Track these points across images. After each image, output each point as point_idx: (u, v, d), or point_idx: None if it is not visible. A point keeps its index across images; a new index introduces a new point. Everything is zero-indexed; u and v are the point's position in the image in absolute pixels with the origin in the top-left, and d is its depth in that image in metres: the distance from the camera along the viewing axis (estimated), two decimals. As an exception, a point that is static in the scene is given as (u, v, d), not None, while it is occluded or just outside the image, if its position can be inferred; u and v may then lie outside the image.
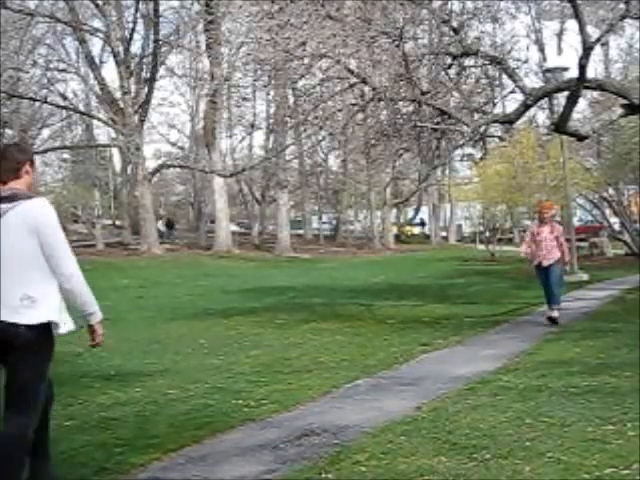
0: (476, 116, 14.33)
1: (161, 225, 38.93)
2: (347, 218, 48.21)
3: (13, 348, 3.46)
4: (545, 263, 10.13)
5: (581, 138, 11.40)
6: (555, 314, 9.93)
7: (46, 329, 3.54)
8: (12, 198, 3.52)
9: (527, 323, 10.50)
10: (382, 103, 12.60)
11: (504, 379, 6.33)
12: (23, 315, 3.44)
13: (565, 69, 15.90)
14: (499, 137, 24.82)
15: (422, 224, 52.17)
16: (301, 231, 46.48)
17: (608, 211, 29.17)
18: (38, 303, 3.48)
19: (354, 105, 13.32)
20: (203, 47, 28.90)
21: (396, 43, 10.77)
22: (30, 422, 3.53)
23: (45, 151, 34.74)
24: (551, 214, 10.53)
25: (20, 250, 3.49)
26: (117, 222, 42.19)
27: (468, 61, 12.83)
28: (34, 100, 28.36)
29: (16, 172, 3.64)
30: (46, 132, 36.11)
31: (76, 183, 39.58)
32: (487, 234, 33.39)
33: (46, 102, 29.27)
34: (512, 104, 24.79)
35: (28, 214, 3.51)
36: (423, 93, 11.55)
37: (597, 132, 13.22)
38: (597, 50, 25.16)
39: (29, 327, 3.45)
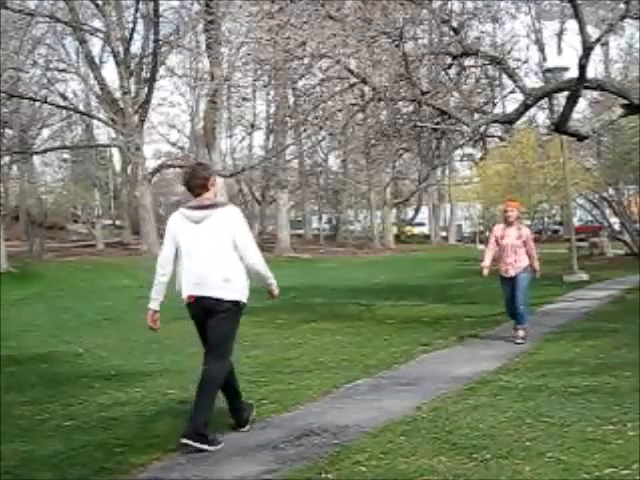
0: (476, 116, 14.34)
1: None
2: (347, 218, 48.21)
3: (214, 315, 4.79)
4: (511, 272, 8.61)
5: (581, 138, 11.39)
6: (520, 335, 8.50)
7: (237, 302, 4.85)
8: (214, 206, 4.86)
9: (527, 323, 10.48)
10: (382, 103, 12.60)
11: (504, 379, 6.33)
12: (224, 292, 4.76)
13: (565, 69, 15.88)
14: (499, 137, 24.89)
15: (417, 224, 52.09)
16: (301, 231, 46.48)
17: (608, 211, 29.15)
18: (232, 283, 4.80)
19: (354, 105, 13.33)
20: (203, 47, 28.86)
21: (396, 43, 10.77)
22: (224, 365, 4.89)
23: (45, 151, 34.77)
24: (517, 215, 8.83)
25: (220, 244, 4.78)
26: (117, 222, 42.20)
27: (468, 61, 12.84)
28: (34, 100, 28.34)
29: (205, 186, 4.89)
30: (46, 132, 36.10)
31: (76, 183, 39.57)
32: (487, 234, 33.38)
33: (46, 102, 29.26)
34: (512, 104, 24.87)
35: (226, 217, 4.81)
36: (423, 93, 11.55)
37: (597, 132, 13.19)
38: (597, 50, 25.17)
39: (227, 301, 4.77)
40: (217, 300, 4.76)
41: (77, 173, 42.65)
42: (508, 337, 9.11)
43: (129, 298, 16.27)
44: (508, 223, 8.73)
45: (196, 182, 4.89)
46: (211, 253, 4.77)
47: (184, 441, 4.54)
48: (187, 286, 4.85)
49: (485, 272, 8.79)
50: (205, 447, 4.54)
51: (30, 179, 36.24)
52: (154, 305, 5.07)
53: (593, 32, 11.18)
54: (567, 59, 16.48)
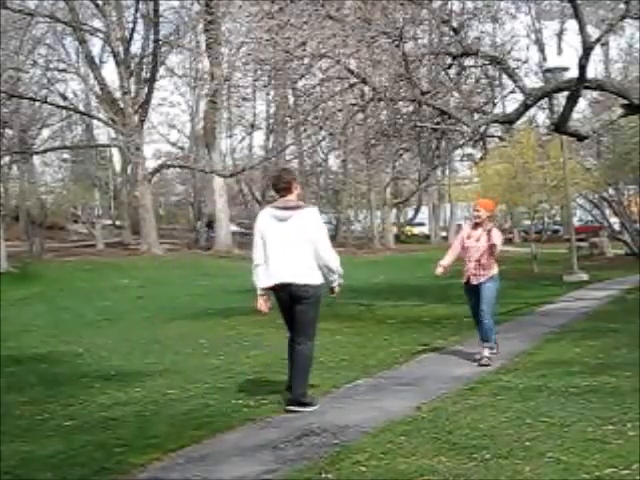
0: (476, 116, 14.36)
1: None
2: (347, 218, 48.18)
3: (301, 300, 5.61)
4: (474, 280, 7.43)
5: (581, 138, 11.38)
6: (485, 354, 7.26)
7: (319, 288, 5.65)
8: (297, 207, 5.71)
9: (527, 323, 10.49)
10: (382, 103, 12.60)
11: (504, 379, 6.33)
12: (309, 279, 5.59)
13: (565, 69, 15.89)
14: (499, 137, 24.88)
15: (417, 224, 52.08)
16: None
17: (608, 211, 29.16)
18: (314, 271, 5.62)
19: (354, 105, 13.33)
20: (203, 47, 28.90)
21: (396, 43, 10.77)
22: (313, 344, 5.79)
23: (45, 151, 34.78)
24: (487, 215, 7.53)
25: (303, 239, 5.58)
26: (117, 222, 42.19)
27: (468, 61, 12.86)
28: (34, 100, 28.36)
29: (289, 189, 5.75)
30: (46, 132, 36.11)
31: (76, 183, 39.56)
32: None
33: (46, 102, 29.28)
34: (512, 104, 24.88)
35: (306, 217, 5.64)
36: (423, 93, 11.55)
37: (597, 132, 13.20)
38: (597, 50, 25.18)
39: (312, 286, 5.58)
40: (304, 285, 5.57)
41: (77, 173, 42.63)
42: (508, 337, 9.10)
43: (129, 298, 16.29)
44: (477, 224, 7.53)
45: (281, 185, 5.77)
46: (295, 247, 5.58)
47: (290, 408, 5.53)
48: (275, 275, 5.63)
49: (439, 271, 7.57)
50: (308, 408, 5.53)
51: (30, 179, 36.23)
52: (260, 290, 5.77)
53: (593, 32, 11.19)
54: (567, 59, 16.50)
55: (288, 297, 5.62)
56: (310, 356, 5.74)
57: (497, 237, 7.39)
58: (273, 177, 6.30)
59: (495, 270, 7.46)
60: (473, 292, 7.48)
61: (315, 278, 5.62)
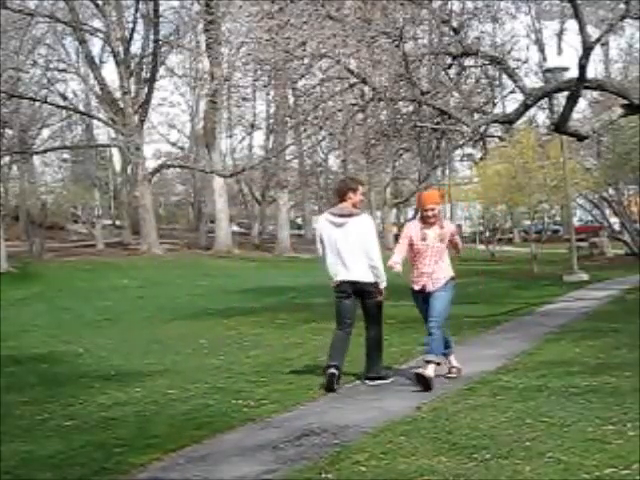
0: (476, 116, 14.36)
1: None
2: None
3: (370, 295, 6.52)
4: (431, 287, 6.47)
5: (581, 138, 11.37)
6: (428, 372, 6.13)
7: (376, 284, 6.50)
8: (350, 215, 6.48)
9: (527, 323, 10.49)
10: (382, 103, 12.61)
11: (504, 379, 6.32)
12: (370, 276, 6.46)
13: (565, 69, 15.90)
14: (499, 137, 24.87)
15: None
16: (301, 231, 46.46)
17: (608, 211, 29.16)
18: (370, 271, 6.44)
19: (354, 105, 13.34)
20: (203, 47, 28.87)
21: (396, 43, 10.76)
22: (382, 327, 6.71)
23: (45, 151, 34.77)
24: (437, 210, 6.50)
25: (359, 242, 6.40)
26: (117, 222, 42.18)
27: (468, 61, 12.86)
28: (34, 100, 28.35)
29: (343, 196, 6.54)
30: (46, 132, 36.10)
31: (76, 183, 39.56)
32: (487, 234, 33.39)
33: (46, 102, 29.28)
34: (512, 104, 24.86)
35: (359, 224, 6.45)
36: (423, 93, 11.55)
37: (597, 132, 13.19)
38: (597, 50, 25.18)
39: (371, 283, 6.47)
40: (365, 283, 6.45)
41: (77, 173, 42.63)
42: (508, 337, 9.10)
43: (129, 298, 16.29)
44: (428, 223, 6.49)
45: (339, 193, 6.64)
46: (353, 250, 6.42)
47: (370, 383, 6.45)
48: (339, 273, 6.49)
49: (398, 268, 6.39)
50: (386, 380, 6.50)
51: (30, 179, 36.23)
52: (334, 279, 6.59)
53: (593, 32, 11.20)
54: (567, 59, 16.51)
55: (347, 291, 6.52)
56: (381, 338, 6.68)
57: (452, 229, 6.67)
58: (336, 183, 7.25)
59: (449, 274, 6.59)
60: (423, 301, 6.59)
61: (372, 276, 6.49)
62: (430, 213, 6.46)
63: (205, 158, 33.90)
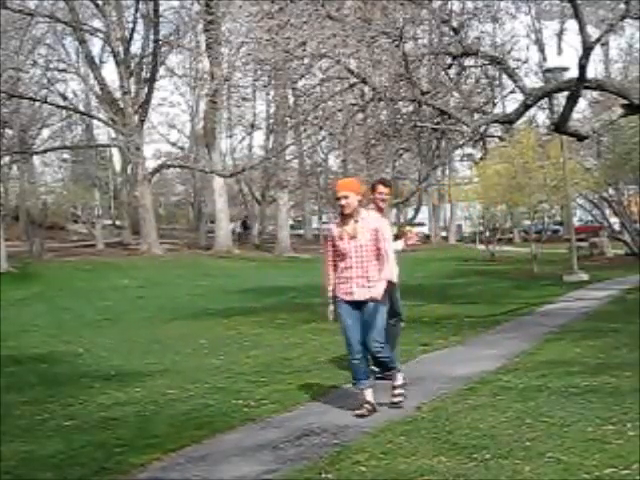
0: (476, 116, 14.34)
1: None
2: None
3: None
4: (359, 295, 5.43)
5: (581, 138, 11.36)
6: (361, 412, 5.33)
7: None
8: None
9: (527, 323, 10.49)
10: (382, 103, 12.59)
11: (504, 379, 6.32)
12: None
13: (565, 69, 15.90)
14: (499, 137, 24.84)
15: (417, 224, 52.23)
16: (301, 231, 46.48)
17: (608, 211, 29.15)
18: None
19: (354, 105, 13.32)
20: (203, 47, 28.88)
21: (396, 43, 10.75)
22: (400, 326, 6.83)
23: (45, 151, 34.77)
24: (352, 199, 5.40)
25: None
26: (117, 222, 42.20)
27: (468, 61, 12.83)
28: (34, 100, 28.35)
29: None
30: (46, 132, 36.10)
31: (76, 183, 39.57)
32: (487, 234, 33.39)
33: (46, 102, 29.27)
34: (512, 104, 24.85)
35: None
36: (423, 93, 11.54)
37: (597, 132, 13.18)
38: (597, 50, 25.19)
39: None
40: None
41: (77, 173, 42.65)
42: (508, 337, 9.09)
43: (129, 298, 16.29)
44: (345, 216, 5.45)
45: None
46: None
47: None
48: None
49: (331, 307, 5.62)
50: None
51: (30, 179, 36.24)
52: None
53: (593, 32, 11.18)
54: (567, 59, 16.51)
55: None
56: (398, 334, 6.90)
57: (382, 226, 5.58)
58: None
59: (390, 277, 5.72)
60: (352, 312, 5.48)
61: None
62: (343, 202, 5.40)
63: (205, 158, 33.91)
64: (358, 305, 5.50)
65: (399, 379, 5.80)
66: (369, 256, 5.46)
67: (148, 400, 6.11)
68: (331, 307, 5.64)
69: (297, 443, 4.72)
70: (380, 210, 6.53)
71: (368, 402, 5.43)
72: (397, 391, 5.73)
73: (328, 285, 5.63)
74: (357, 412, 5.36)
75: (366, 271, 5.45)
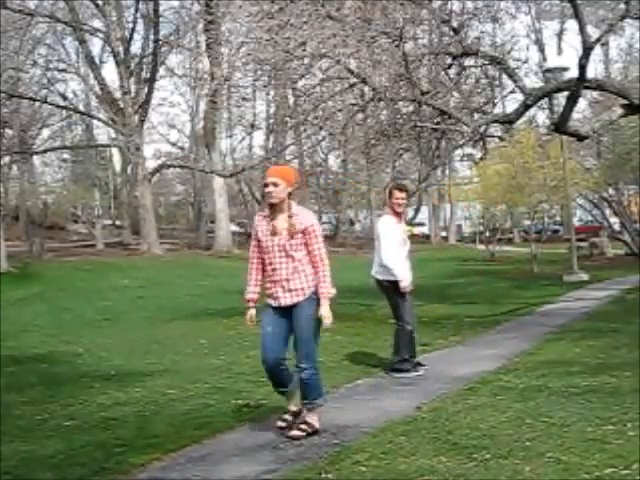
0: (476, 116, 14.33)
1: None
2: (347, 218, 48.21)
3: (384, 290, 7.05)
4: (285, 300, 4.82)
5: (581, 138, 11.36)
6: (297, 433, 4.79)
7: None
8: (380, 216, 6.92)
9: (527, 323, 10.49)
10: (382, 103, 12.58)
11: (504, 379, 6.33)
12: (383, 274, 6.98)
13: (565, 69, 15.90)
14: (499, 137, 24.83)
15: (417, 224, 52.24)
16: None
17: (608, 211, 29.16)
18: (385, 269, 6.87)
19: (354, 105, 13.31)
20: (203, 47, 28.85)
21: (396, 43, 10.75)
22: (405, 331, 6.94)
23: (45, 151, 34.78)
24: (287, 190, 4.77)
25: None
26: (117, 222, 42.20)
27: (468, 61, 12.82)
28: (34, 100, 28.35)
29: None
30: (46, 132, 36.13)
31: (76, 183, 39.56)
32: (487, 234, 33.39)
33: (46, 102, 29.28)
34: (512, 104, 24.83)
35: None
36: (423, 93, 11.54)
37: (597, 132, 13.18)
38: (597, 50, 25.18)
39: (384, 280, 6.96)
40: (378, 280, 7.12)
41: (77, 173, 42.66)
42: (508, 337, 9.10)
43: (129, 298, 16.28)
44: (274, 209, 4.82)
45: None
46: (376, 249, 7.19)
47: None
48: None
49: (251, 313, 5.04)
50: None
51: (30, 179, 36.24)
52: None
53: (593, 32, 11.19)
54: (567, 59, 16.50)
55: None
56: (408, 333, 7.03)
57: (312, 224, 4.81)
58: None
59: (310, 283, 4.85)
60: (277, 319, 4.85)
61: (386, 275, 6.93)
62: (270, 189, 4.71)
63: (205, 158, 33.90)
64: (285, 312, 4.82)
65: (314, 420, 4.88)
66: (299, 257, 4.78)
67: (148, 400, 6.11)
68: (251, 311, 4.99)
69: (297, 443, 4.71)
70: (397, 215, 6.97)
71: (308, 422, 4.87)
72: (303, 426, 4.83)
73: (248, 286, 5.00)
74: (293, 433, 4.79)
75: (294, 274, 4.78)
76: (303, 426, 4.85)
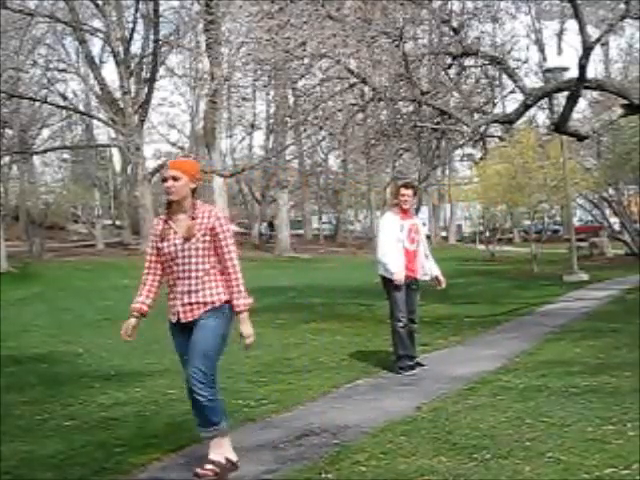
0: (476, 116, 14.34)
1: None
2: (347, 218, 48.21)
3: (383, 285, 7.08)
4: (184, 316, 4.15)
5: (581, 138, 11.36)
6: (201, 472, 4.04)
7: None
8: None
9: (527, 323, 10.49)
10: (382, 103, 12.59)
11: (504, 379, 6.33)
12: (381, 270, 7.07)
13: (565, 69, 15.90)
14: (499, 137, 24.84)
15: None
16: (301, 231, 46.50)
17: (608, 211, 29.17)
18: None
19: (354, 105, 13.32)
20: (203, 47, 28.85)
21: (396, 43, 10.76)
22: (396, 322, 7.01)
23: (45, 151, 34.77)
24: (190, 185, 4.12)
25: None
26: (117, 222, 42.20)
27: (468, 61, 12.83)
28: (34, 100, 28.35)
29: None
30: (46, 132, 36.11)
31: (76, 183, 39.55)
32: (487, 234, 33.40)
33: (46, 102, 29.27)
34: (512, 104, 24.84)
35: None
36: (423, 93, 11.54)
37: (597, 132, 13.18)
38: (597, 50, 25.19)
39: (382, 276, 7.09)
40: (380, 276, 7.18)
41: (77, 173, 42.64)
42: (508, 337, 9.10)
43: (129, 298, 16.27)
44: (173, 208, 4.15)
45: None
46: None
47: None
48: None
49: (130, 335, 4.36)
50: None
51: (30, 179, 36.23)
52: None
53: (593, 32, 11.19)
54: (567, 59, 16.51)
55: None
56: (394, 330, 7.06)
57: (221, 224, 4.10)
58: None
59: (221, 294, 4.10)
60: (179, 336, 4.24)
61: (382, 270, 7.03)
62: (170, 183, 4.07)
63: (205, 158, 33.90)
64: (188, 328, 4.11)
65: (221, 455, 4.13)
66: (204, 265, 4.07)
67: (148, 400, 6.11)
68: (129, 321, 4.30)
69: (297, 443, 4.71)
70: (404, 212, 7.14)
71: (214, 462, 4.05)
72: (209, 466, 4.05)
73: (137, 296, 4.34)
74: (198, 470, 4.04)
75: (199, 284, 4.07)
76: (208, 466, 4.04)
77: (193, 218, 4.08)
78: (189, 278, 4.10)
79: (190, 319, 4.11)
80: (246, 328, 4.12)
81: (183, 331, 4.16)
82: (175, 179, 4.07)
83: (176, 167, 4.13)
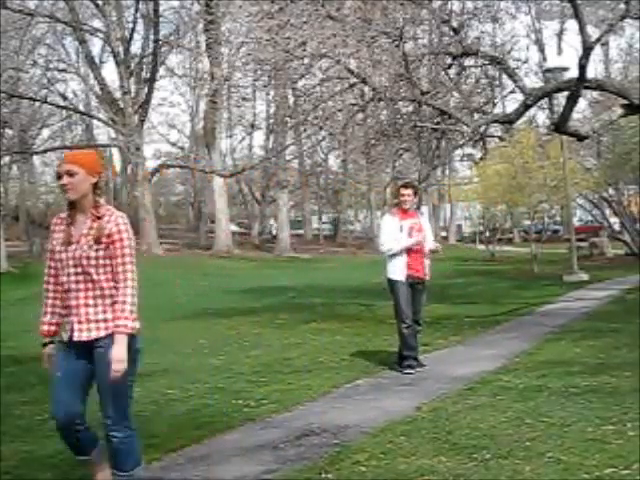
0: (476, 116, 14.36)
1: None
2: (347, 218, 48.22)
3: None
4: (79, 334, 3.48)
5: (581, 138, 11.36)
6: None
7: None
8: None
9: (527, 323, 10.49)
10: (382, 103, 12.60)
11: (504, 379, 6.33)
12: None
13: (565, 69, 15.90)
14: (499, 137, 24.86)
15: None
16: (301, 231, 46.53)
17: (608, 211, 29.17)
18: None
19: (354, 105, 13.33)
20: (203, 47, 28.88)
21: (396, 43, 10.76)
22: (399, 323, 7.14)
23: (45, 151, 34.77)
24: (89, 180, 3.48)
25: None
26: (117, 222, 42.12)
27: (468, 61, 12.85)
28: (34, 100, 28.35)
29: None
30: (46, 132, 36.14)
31: (76, 183, 39.50)
32: (487, 234, 33.40)
33: (46, 102, 29.27)
34: (512, 104, 24.85)
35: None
36: (423, 93, 11.55)
37: (597, 132, 13.18)
38: (597, 50, 25.19)
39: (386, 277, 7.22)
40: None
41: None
42: (508, 337, 9.10)
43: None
44: (73, 209, 3.54)
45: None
46: None
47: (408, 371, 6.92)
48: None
49: (46, 351, 3.68)
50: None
51: (30, 179, 36.24)
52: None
53: (593, 32, 11.19)
54: (567, 59, 16.51)
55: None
56: (400, 331, 7.15)
57: (119, 234, 3.47)
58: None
59: (128, 316, 3.43)
60: (78, 360, 3.58)
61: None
62: (65, 180, 3.48)
63: (205, 158, 33.91)
64: (83, 351, 3.52)
65: None
66: (103, 275, 3.48)
67: (148, 400, 6.10)
68: (47, 349, 3.64)
69: (297, 443, 4.71)
70: (404, 212, 7.19)
71: None
72: None
73: (42, 316, 3.63)
74: None
75: (96, 299, 3.48)
76: None
77: (94, 219, 3.48)
78: (85, 290, 3.48)
79: (85, 339, 3.48)
80: (118, 352, 3.38)
81: (73, 348, 3.53)
82: (71, 174, 3.46)
83: (71, 160, 3.50)
